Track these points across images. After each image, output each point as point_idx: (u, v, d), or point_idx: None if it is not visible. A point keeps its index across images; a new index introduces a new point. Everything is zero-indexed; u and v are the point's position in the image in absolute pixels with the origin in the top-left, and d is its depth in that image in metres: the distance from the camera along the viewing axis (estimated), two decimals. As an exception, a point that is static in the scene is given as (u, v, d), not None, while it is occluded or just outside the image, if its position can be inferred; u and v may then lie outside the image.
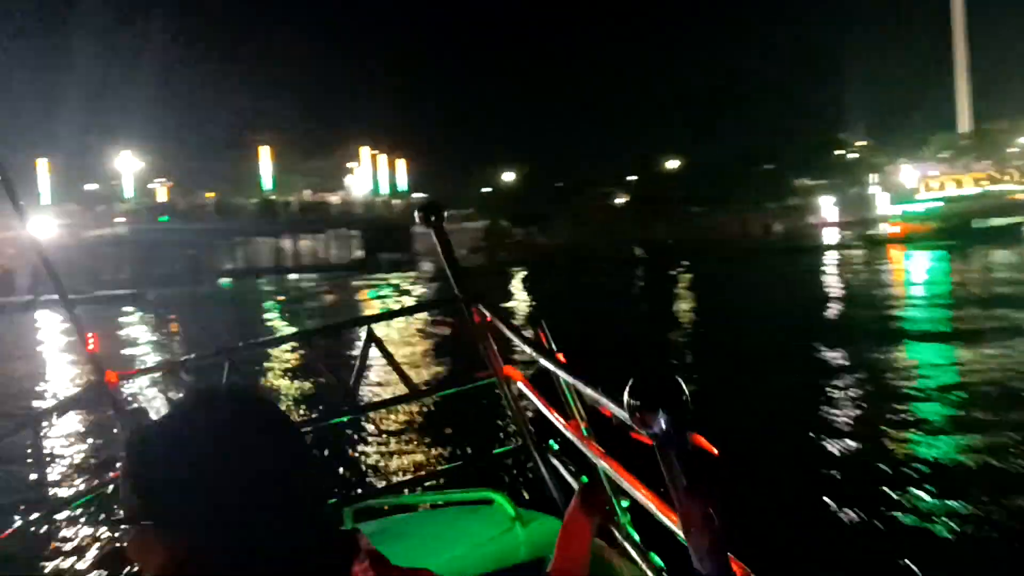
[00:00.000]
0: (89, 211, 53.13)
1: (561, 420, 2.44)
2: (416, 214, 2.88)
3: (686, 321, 23.74)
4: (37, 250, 3.51)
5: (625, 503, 2.17)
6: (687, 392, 1.16)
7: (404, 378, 3.28)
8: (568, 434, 2.37)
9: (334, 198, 64.79)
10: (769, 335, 17.36)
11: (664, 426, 1.16)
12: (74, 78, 63.36)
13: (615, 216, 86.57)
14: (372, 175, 76.14)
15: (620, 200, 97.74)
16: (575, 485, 2.51)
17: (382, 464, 9.83)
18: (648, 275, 44.60)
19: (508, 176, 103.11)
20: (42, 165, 54.47)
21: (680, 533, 1.25)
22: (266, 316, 34.96)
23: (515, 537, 2.65)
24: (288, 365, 16.64)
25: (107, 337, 26.22)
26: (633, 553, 2.20)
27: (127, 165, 57.23)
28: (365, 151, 74.50)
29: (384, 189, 75.89)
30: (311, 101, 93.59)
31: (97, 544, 7.25)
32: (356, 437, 10.51)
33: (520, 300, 33.26)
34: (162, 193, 68.07)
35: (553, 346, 2.50)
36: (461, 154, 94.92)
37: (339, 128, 79.95)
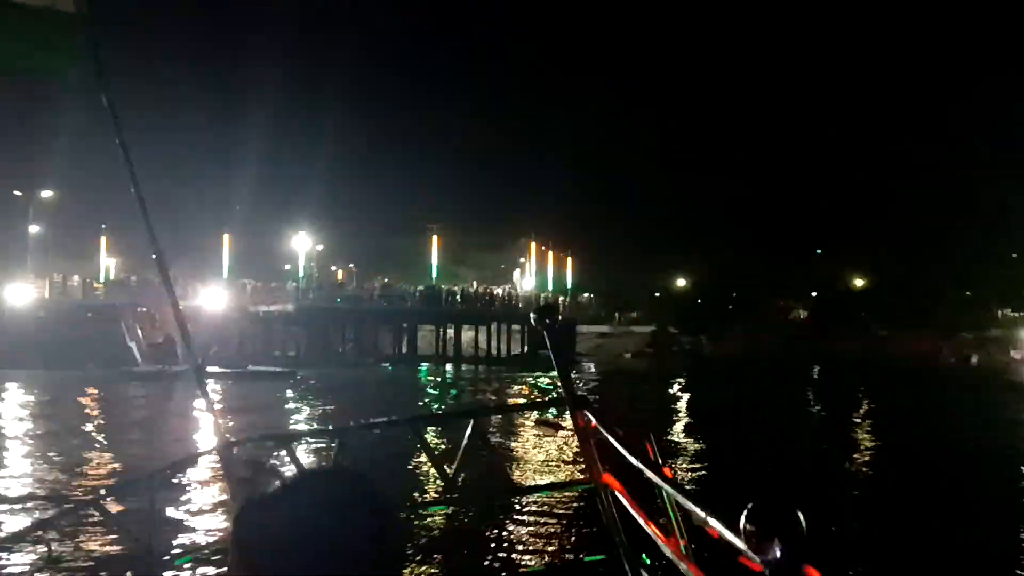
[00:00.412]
0: (263, 287, 54.89)
1: (660, 535, 2.33)
2: (531, 315, 3.02)
3: (858, 459, 20.64)
4: (178, 318, 3.66)
5: None
6: (805, 524, 1.16)
7: (503, 474, 3.61)
8: (667, 551, 2.28)
9: (499, 291, 64.21)
10: (961, 491, 14.35)
11: (779, 555, 1.14)
12: (257, 160, 67.25)
13: (792, 331, 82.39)
14: (538, 271, 75.61)
15: (799, 314, 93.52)
16: None
17: (471, 560, 9.60)
18: (823, 397, 41.03)
19: (679, 282, 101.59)
20: (225, 240, 57.18)
21: None
22: (420, 403, 34.52)
23: None
24: (399, 449, 16.40)
25: (245, 410, 26.58)
26: None
27: (302, 245, 59.09)
28: (533, 247, 74.21)
29: (550, 286, 75.01)
30: (484, 192, 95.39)
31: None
32: (451, 528, 10.41)
33: (675, 410, 30.85)
34: (334, 274, 70.25)
35: (659, 459, 2.46)
36: (631, 256, 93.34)
37: (508, 221, 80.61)
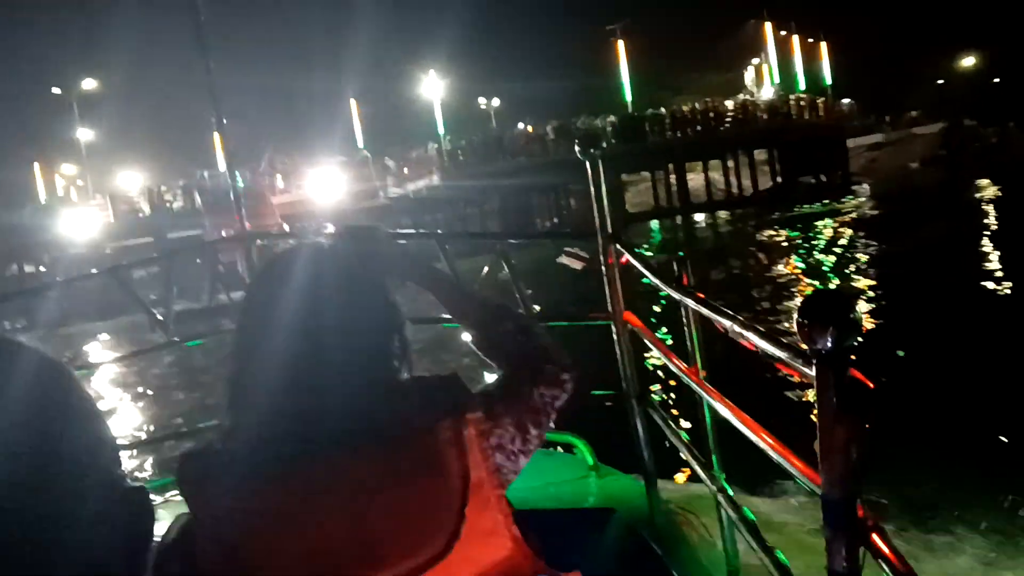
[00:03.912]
0: (400, 163, 39.95)
1: (682, 365, 2.42)
2: (576, 147, 2.81)
3: None
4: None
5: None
6: (859, 315, 1.15)
7: (523, 300, 3.43)
8: (687, 379, 2.37)
9: (729, 104, 45.82)
10: None
11: (830, 343, 1.15)
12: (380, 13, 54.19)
13: None
14: (781, 68, 55.72)
15: None
16: (672, 439, 2.65)
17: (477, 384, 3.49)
18: None
19: (966, 61, 79.88)
20: (353, 107, 43.65)
21: (800, 476, 1.40)
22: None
23: (588, 486, 2.96)
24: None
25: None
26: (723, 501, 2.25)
27: (434, 90, 43.10)
28: (770, 31, 53.95)
29: (801, 85, 54.87)
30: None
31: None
32: (463, 351, 6.65)
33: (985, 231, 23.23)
34: (523, 132, 55.80)
35: (692, 286, 2.41)
36: (900, 38, 72.91)
37: (728, 5, 61.26)
